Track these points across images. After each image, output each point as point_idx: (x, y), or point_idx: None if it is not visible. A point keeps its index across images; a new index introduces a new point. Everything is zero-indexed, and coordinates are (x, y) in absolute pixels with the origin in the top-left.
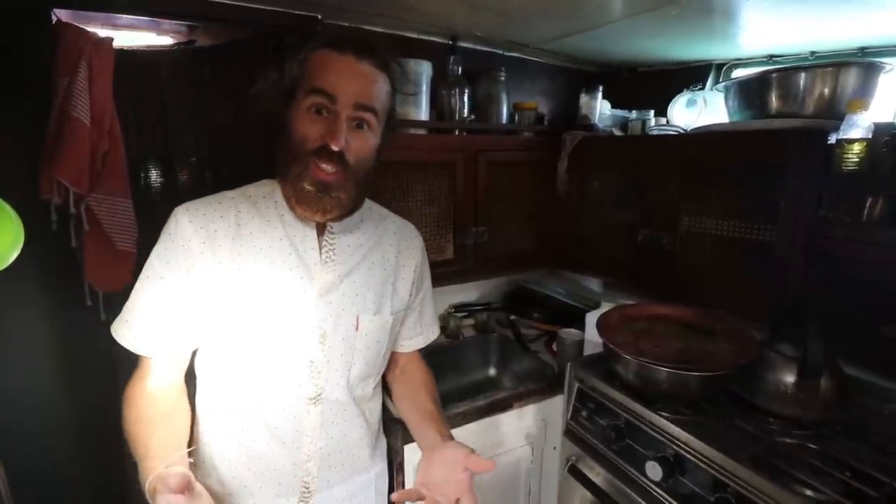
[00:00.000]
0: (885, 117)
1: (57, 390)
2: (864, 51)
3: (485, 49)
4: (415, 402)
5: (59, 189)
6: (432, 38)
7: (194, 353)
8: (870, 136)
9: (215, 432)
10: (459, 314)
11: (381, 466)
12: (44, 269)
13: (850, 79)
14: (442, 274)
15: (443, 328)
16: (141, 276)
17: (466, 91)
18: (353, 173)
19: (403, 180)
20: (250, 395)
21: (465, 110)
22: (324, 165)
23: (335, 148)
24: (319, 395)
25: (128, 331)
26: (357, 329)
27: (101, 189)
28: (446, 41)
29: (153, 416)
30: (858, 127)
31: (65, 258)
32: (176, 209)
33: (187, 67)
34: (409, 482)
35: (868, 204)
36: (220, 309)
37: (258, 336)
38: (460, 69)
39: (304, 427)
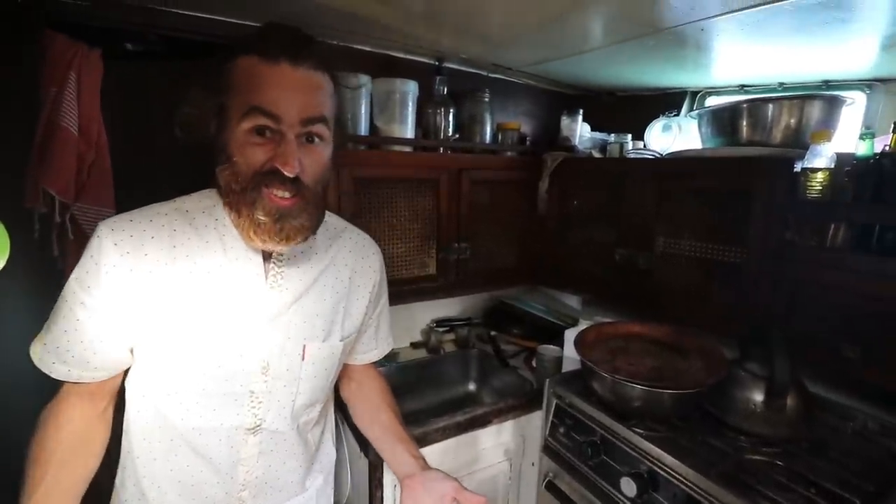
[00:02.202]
0: (847, 148)
1: (36, 401)
2: (827, 83)
3: (470, 70)
4: (380, 423)
5: (44, 198)
6: (419, 59)
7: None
8: (832, 166)
9: (144, 454)
10: (440, 329)
11: (321, 481)
12: (24, 278)
13: (815, 111)
14: (424, 289)
15: (424, 343)
16: (60, 296)
17: (451, 111)
18: (311, 193)
19: (388, 196)
20: (184, 423)
21: (450, 129)
22: (277, 192)
23: (289, 174)
24: (259, 425)
25: (45, 354)
26: (303, 358)
27: (87, 199)
28: (432, 62)
29: (51, 457)
30: (822, 157)
31: (46, 267)
32: (99, 227)
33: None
34: (388, 498)
35: (831, 230)
36: (151, 337)
37: (193, 365)
38: (446, 89)
39: (241, 457)
